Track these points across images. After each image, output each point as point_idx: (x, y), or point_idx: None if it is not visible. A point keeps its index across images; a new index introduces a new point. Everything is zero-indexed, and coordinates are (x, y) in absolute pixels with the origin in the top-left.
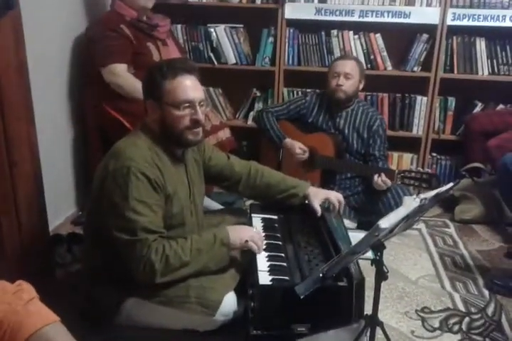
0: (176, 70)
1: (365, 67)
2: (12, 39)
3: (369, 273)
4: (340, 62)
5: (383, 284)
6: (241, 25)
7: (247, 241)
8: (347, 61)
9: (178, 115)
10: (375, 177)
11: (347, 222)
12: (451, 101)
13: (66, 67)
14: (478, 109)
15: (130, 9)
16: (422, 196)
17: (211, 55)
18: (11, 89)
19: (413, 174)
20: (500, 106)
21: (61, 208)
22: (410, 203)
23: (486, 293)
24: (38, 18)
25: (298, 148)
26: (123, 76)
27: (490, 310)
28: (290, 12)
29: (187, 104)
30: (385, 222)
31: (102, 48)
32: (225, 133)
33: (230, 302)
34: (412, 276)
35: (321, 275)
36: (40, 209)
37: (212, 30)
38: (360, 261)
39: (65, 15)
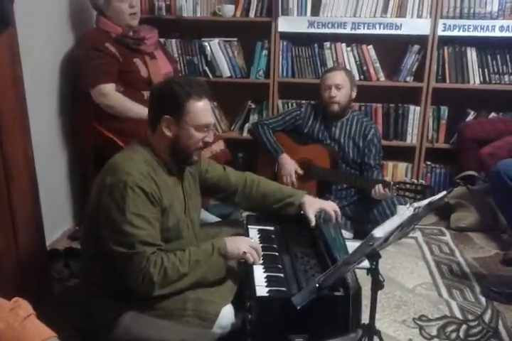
0: (201, 92)
1: (357, 78)
2: (8, 55)
3: (366, 283)
4: (329, 74)
5: (380, 293)
6: (235, 39)
7: (244, 252)
8: (335, 72)
9: (197, 136)
10: (376, 187)
11: (343, 232)
12: (444, 110)
13: (59, 84)
14: (470, 117)
15: (115, 25)
16: (416, 205)
17: (206, 68)
18: (7, 104)
19: (408, 186)
20: (493, 115)
21: (58, 223)
22: (404, 212)
23: (483, 300)
24: (31, 35)
25: (294, 170)
26: (112, 96)
27: (487, 317)
28: (283, 25)
29: (206, 128)
30: (379, 232)
31: (89, 69)
32: (219, 146)
33: (227, 315)
34: (408, 285)
35: (317, 285)
36: (37, 225)
37: (206, 44)
38: (357, 270)
39: (57, 33)
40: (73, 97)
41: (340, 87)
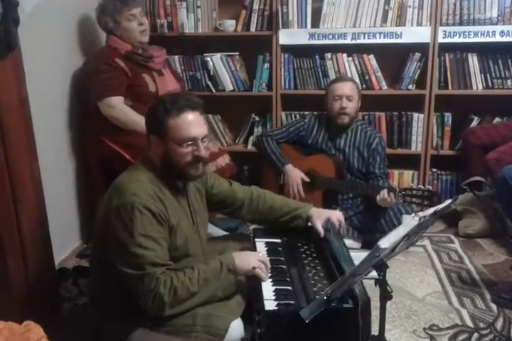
0: (180, 107)
1: (360, 87)
2: (13, 78)
3: (375, 293)
4: (339, 84)
5: (390, 303)
6: (237, 53)
7: (254, 267)
8: (345, 83)
9: (180, 152)
10: (381, 193)
11: (351, 242)
12: (448, 116)
13: (66, 102)
14: (475, 123)
15: (124, 43)
16: (421, 214)
17: (209, 83)
18: (13, 126)
19: (414, 192)
20: (497, 120)
21: (66, 241)
22: (409, 222)
23: (494, 307)
24: (39, 55)
25: (300, 178)
26: (120, 108)
27: (499, 325)
28: (284, 38)
29: (190, 142)
30: (385, 242)
31: (98, 82)
32: (224, 160)
33: (236, 329)
34: (418, 294)
35: (325, 297)
36: (45, 245)
37: (208, 59)
38: (365, 281)
39: (64, 52)
40: (81, 113)
41: (351, 99)
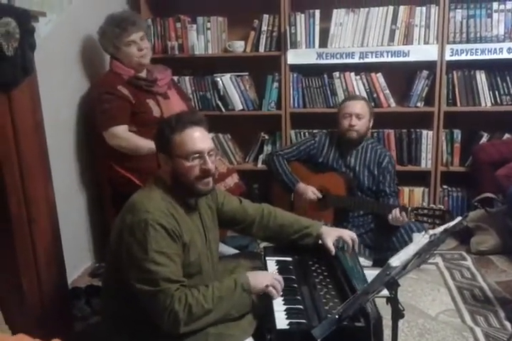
0: (184, 123)
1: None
2: (29, 101)
3: (387, 312)
4: (350, 103)
5: (403, 321)
6: (246, 73)
7: (267, 285)
8: (357, 101)
9: (187, 166)
10: (393, 212)
11: (362, 260)
12: (457, 133)
13: (78, 125)
14: (484, 139)
15: (127, 68)
16: (431, 232)
17: (219, 102)
18: (29, 149)
19: (426, 211)
20: (506, 136)
21: (78, 261)
22: (420, 240)
23: (508, 325)
24: (52, 78)
25: (311, 192)
26: (124, 137)
27: None
28: (292, 58)
29: (196, 155)
30: (396, 261)
31: (101, 112)
32: (233, 179)
33: None
34: (431, 312)
35: (337, 316)
36: (58, 265)
37: (218, 79)
38: (377, 300)
39: (75, 75)
40: (90, 137)
41: (361, 117)
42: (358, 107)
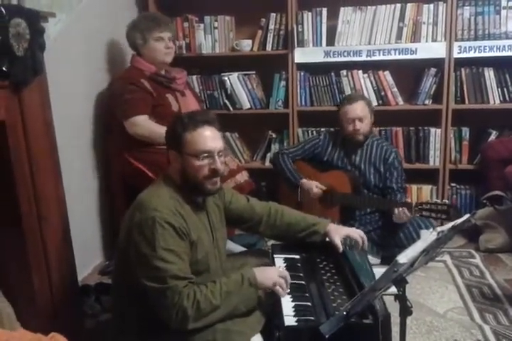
0: (197, 122)
1: (376, 103)
2: (39, 102)
3: (395, 309)
4: (349, 107)
5: (411, 319)
6: (253, 72)
7: (274, 284)
8: (356, 104)
9: (197, 165)
10: (395, 210)
11: (370, 258)
12: (465, 131)
13: (89, 123)
14: (492, 137)
15: (149, 64)
16: (439, 229)
17: (226, 101)
18: (39, 147)
19: (431, 206)
20: None
21: (88, 259)
22: (427, 237)
23: None
24: (63, 78)
25: (315, 186)
26: (145, 126)
27: None
28: (300, 56)
29: (206, 154)
30: (403, 258)
31: (124, 102)
32: (242, 176)
33: None
34: (439, 310)
35: (345, 313)
36: (69, 262)
37: (226, 78)
38: (385, 297)
39: (86, 74)
40: (100, 135)
41: (364, 119)
42: (359, 110)
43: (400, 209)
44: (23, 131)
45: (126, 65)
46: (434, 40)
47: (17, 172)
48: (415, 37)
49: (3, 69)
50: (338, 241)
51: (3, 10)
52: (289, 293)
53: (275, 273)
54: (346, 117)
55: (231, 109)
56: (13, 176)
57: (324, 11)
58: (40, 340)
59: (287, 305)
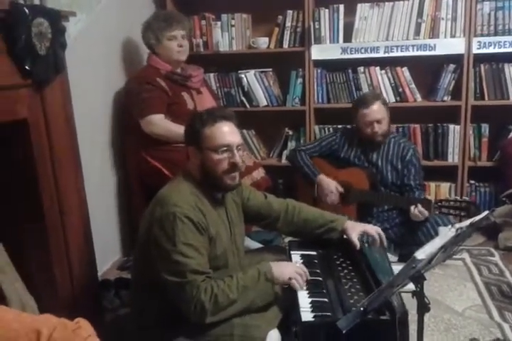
0: (215, 117)
1: (394, 99)
2: (60, 98)
3: (413, 306)
4: (366, 111)
5: (429, 317)
6: (270, 69)
7: (290, 278)
8: (372, 107)
9: (216, 158)
10: (412, 208)
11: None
12: (485, 127)
13: (108, 120)
14: None
15: (164, 63)
16: (458, 226)
17: (243, 99)
18: (60, 143)
19: (450, 203)
20: None
21: (107, 254)
22: (446, 233)
23: None
24: (83, 76)
25: (334, 187)
26: (161, 125)
27: None
28: (316, 53)
29: (225, 148)
30: (421, 254)
31: (140, 101)
32: (259, 173)
33: (273, 339)
34: (458, 307)
35: (362, 309)
36: (89, 257)
37: (243, 75)
38: (403, 295)
39: (105, 73)
40: (123, 130)
41: (382, 120)
42: (376, 112)
43: (416, 208)
44: (46, 129)
45: (143, 64)
46: (452, 35)
47: (40, 169)
48: (434, 33)
49: (26, 67)
50: (355, 239)
51: (27, 10)
52: (306, 289)
53: (292, 267)
54: (364, 120)
55: (248, 106)
56: (36, 173)
57: (341, 7)
58: (65, 324)
59: (304, 300)
